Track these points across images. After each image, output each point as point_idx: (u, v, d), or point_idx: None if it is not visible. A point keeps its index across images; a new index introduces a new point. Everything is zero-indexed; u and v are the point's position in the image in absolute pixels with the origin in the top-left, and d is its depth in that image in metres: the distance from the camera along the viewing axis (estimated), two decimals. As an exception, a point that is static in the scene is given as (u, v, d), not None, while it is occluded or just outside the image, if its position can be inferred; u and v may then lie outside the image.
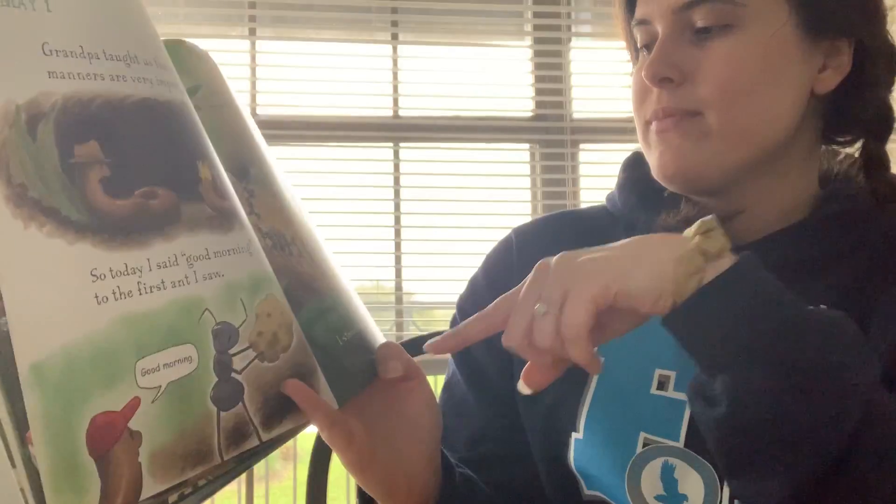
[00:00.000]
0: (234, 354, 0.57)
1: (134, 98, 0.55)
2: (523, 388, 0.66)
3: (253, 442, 0.57)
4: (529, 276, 0.65)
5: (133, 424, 0.51)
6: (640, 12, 0.83)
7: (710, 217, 0.64)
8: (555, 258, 0.64)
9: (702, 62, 0.77)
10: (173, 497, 0.54)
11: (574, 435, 0.83)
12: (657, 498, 0.79)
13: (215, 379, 0.55)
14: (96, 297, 0.50)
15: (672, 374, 0.80)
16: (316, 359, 0.63)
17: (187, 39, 0.68)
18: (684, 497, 0.78)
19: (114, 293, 0.51)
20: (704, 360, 0.62)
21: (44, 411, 0.48)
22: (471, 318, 0.67)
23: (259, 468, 2.72)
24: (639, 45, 0.85)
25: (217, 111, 0.67)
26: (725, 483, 0.75)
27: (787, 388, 0.58)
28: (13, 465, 0.48)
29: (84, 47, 0.53)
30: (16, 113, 0.49)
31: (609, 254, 0.63)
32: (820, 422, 0.58)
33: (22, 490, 0.48)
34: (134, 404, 0.51)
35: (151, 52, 0.58)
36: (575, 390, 0.84)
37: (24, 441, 0.48)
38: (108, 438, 0.50)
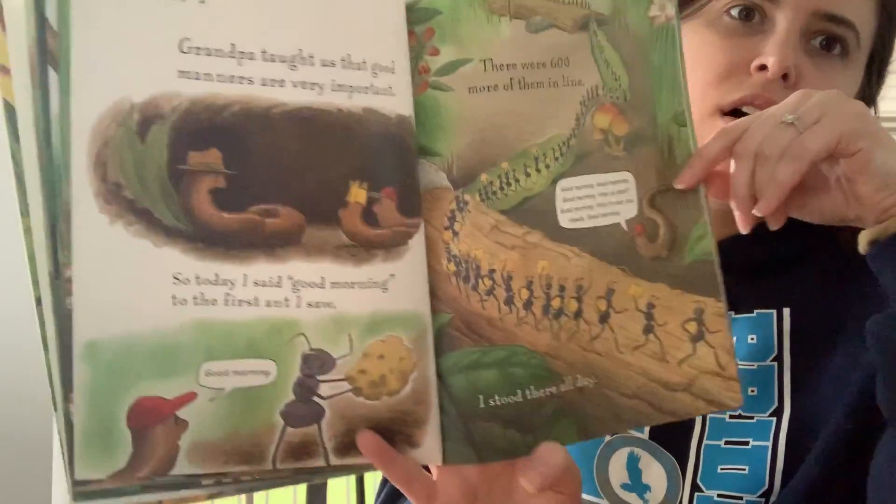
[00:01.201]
0: (324, 381, 0.53)
1: (286, 107, 0.48)
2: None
3: (318, 462, 0.55)
4: (793, 95, 0.63)
5: (182, 413, 0.51)
6: None
7: None
8: (830, 91, 0.64)
9: (814, 76, 0.75)
10: (208, 480, 0.54)
11: None
12: (623, 486, 0.79)
13: (291, 397, 0.53)
14: (173, 297, 0.49)
15: None
16: (445, 407, 0.58)
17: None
18: (647, 487, 0.78)
19: (195, 298, 0.49)
20: None
21: (90, 384, 0.49)
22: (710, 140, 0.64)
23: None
24: (730, 4, 0.77)
25: (478, 96, 0.57)
26: (687, 477, 0.77)
27: None
28: (55, 409, 0.50)
29: (237, 45, 0.47)
30: (128, 112, 0.46)
31: (878, 126, 0.62)
32: None
33: (59, 433, 0.50)
34: (187, 398, 0.51)
35: (345, 48, 0.50)
36: None
37: (66, 398, 0.49)
38: (150, 420, 0.51)
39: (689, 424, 0.78)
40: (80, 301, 0.48)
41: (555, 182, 0.58)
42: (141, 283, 0.48)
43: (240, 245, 0.49)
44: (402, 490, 0.60)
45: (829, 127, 0.59)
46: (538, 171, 0.58)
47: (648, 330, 0.59)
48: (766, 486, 0.74)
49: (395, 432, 0.56)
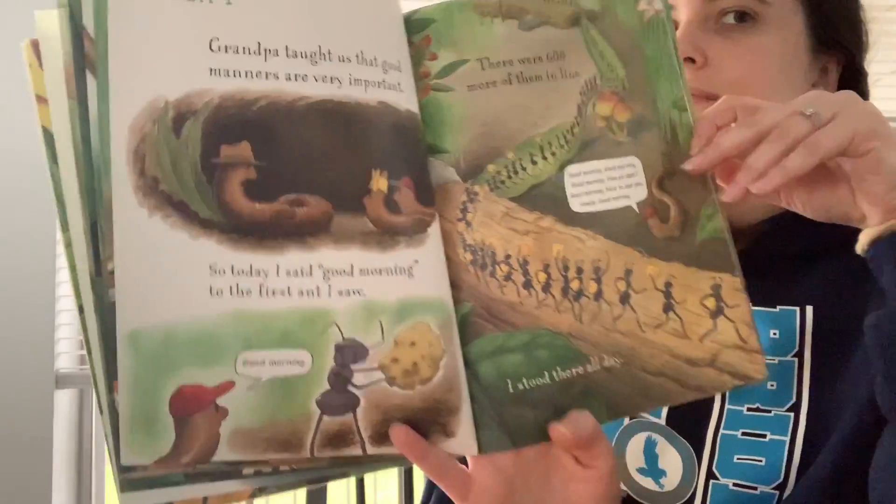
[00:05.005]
0: (358, 371, 0.55)
1: (310, 100, 0.51)
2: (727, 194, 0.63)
3: (355, 450, 0.57)
4: (810, 92, 0.64)
5: (221, 401, 0.53)
6: None
7: None
8: (847, 92, 0.64)
9: (725, 49, 0.77)
10: (248, 470, 0.56)
11: None
12: (639, 471, 0.81)
13: (327, 387, 0.55)
14: (211, 289, 0.51)
15: None
16: (475, 395, 0.59)
17: None
18: (663, 472, 0.79)
19: (231, 289, 0.52)
20: None
21: (133, 372, 0.51)
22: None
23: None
24: None
25: (477, 92, 0.61)
26: (703, 464, 0.78)
27: None
28: (101, 412, 0.52)
29: (262, 43, 0.50)
30: (163, 109, 0.50)
31: (890, 127, 0.62)
32: None
33: (106, 436, 0.52)
34: (226, 386, 0.53)
35: (358, 46, 0.54)
36: None
37: (110, 388, 0.52)
38: (191, 407, 0.53)
39: (706, 412, 0.79)
40: (123, 292, 0.50)
41: (562, 168, 0.61)
42: (179, 274, 0.51)
43: (272, 234, 0.52)
44: (437, 483, 0.61)
45: (843, 125, 0.60)
46: (545, 158, 0.61)
47: (668, 308, 0.61)
48: (782, 479, 0.75)
49: (430, 422, 0.58)
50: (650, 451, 0.81)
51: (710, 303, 0.61)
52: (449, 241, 0.59)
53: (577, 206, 0.61)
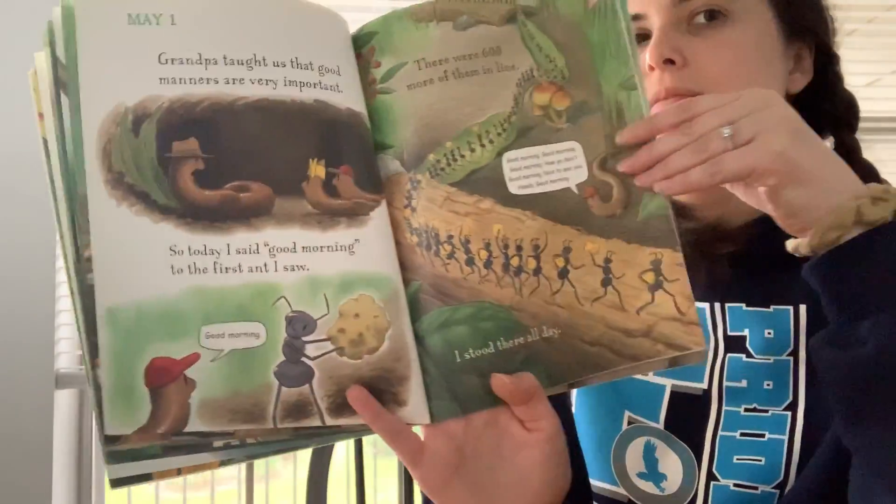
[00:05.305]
0: (309, 342, 0.62)
1: (247, 99, 0.61)
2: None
3: (314, 421, 0.63)
4: (744, 94, 0.66)
5: (189, 373, 0.60)
6: (634, 6, 0.83)
7: (885, 185, 0.65)
8: (780, 102, 0.66)
9: (702, 47, 0.80)
10: (218, 442, 0.62)
11: None
12: (639, 475, 0.83)
13: (282, 358, 0.61)
14: (172, 268, 0.60)
15: None
16: (426, 367, 0.65)
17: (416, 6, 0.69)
18: (664, 476, 0.82)
19: (189, 267, 0.60)
20: (853, 303, 0.63)
21: (111, 345, 0.59)
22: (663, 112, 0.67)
23: (259, 467, 2.60)
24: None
25: (416, 90, 0.67)
26: (702, 466, 0.80)
27: None
28: (89, 385, 0.60)
29: (203, 54, 0.60)
30: (123, 114, 0.60)
31: (811, 152, 0.64)
32: None
33: (93, 409, 0.60)
34: (193, 358, 0.60)
35: (292, 53, 0.63)
36: None
37: (93, 365, 0.59)
38: (163, 378, 0.60)
39: (704, 415, 0.81)
40: (99, 274, 0.59)
41: (500, 154, 0.66)
42: (145, 256, 0.59)
43: (222, 217, 0.60)
44: (391, 447, 0.66)
45: (747, 156, 0.63)
46: (482, 146, 0.67)
47: (607, 283, 0.65)
48: (782, 478, 0.77)
49: (382, 391, 0.64)
50: (650, 456, 0.83)
51: (649, 277, 0.65)
52: (398, 227, 0.66)
53: (515, 188, 0.66)
